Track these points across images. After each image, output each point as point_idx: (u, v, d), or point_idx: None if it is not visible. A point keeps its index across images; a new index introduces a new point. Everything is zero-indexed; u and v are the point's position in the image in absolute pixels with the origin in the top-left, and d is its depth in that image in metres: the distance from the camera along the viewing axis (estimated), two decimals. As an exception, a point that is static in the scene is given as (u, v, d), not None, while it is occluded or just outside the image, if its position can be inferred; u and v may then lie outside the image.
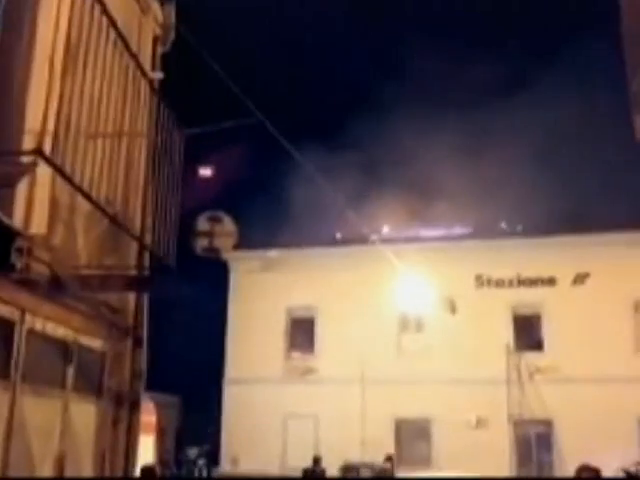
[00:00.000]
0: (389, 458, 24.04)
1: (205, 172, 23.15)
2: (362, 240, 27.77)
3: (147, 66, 8.04)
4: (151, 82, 7.29)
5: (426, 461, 27.91)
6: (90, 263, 6.94)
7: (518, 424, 28.47)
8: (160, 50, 9.27)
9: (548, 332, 29.31)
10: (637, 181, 29.58)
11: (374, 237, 26.65)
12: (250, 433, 29.09)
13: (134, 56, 6.51)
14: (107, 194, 6.34)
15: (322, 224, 30.87)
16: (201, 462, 30.61)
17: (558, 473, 27.41)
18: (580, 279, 29.15)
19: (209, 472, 29.92)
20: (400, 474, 23.27)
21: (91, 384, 7.40)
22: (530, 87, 46.33)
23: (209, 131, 9.90)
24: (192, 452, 31.01)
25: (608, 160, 31.99)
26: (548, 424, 28.24)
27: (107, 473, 7.43)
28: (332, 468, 25.22)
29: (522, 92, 39.66)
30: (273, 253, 31.54)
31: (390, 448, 28.64)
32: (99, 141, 6.21)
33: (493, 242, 30.09)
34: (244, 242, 18.75)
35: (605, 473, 22.09)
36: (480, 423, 28.41)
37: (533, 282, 29.74)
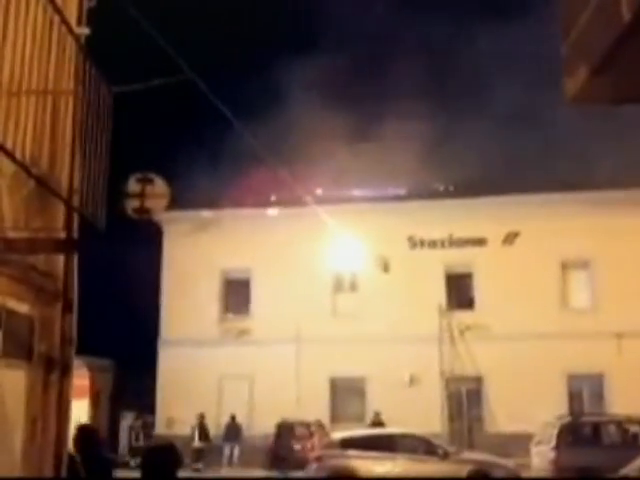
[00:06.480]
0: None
1: None
2: (296, 201, 27.72)
3: (73, 21, 7.74)
4: (77, 38, 7.02)
5: (360, 419, 28.35)
6: (16, 225, 6.73)
7: (450, 381, 29.14)
8: (86, 5, 8.93)
9: (479, 291, 29.93)
10: (566, 142, 30.19)
11: (308, 198, 26.62)
12: (186, 395, 29.05)
13: (59, 10, 6.26)
14: (33, 154, 6.13)
15: (256, 185, 30.66)
16: (137, 425, 30.44)
17: (488, 428, 28.22)
18: (510, 238, 29.72)
19: (145, 436, 29.77)
20: (335, 432, 23.55)
21: (20, 349, 7.23)
22: (465, 46, 46.60)
23: (139, 89, 9.65)
24: (128, 416, 30.76)
25: (539, 121, 32.50)
26: (478, 380, 28.97)
27: (38, 439, 7.31)
28: (269, 427, 25.60)
29: (458, 51, 40.01)
30: (206, 214, 31.26)
31: (325, 407, 29.07)
32: (23, 99, 5.97)
33: (426, 202, 30.38)
34: (177, 203, 18.56)
35: (533, 426, 22.61)
36: (413, 381, 28.97)
37: (465, 242, 30.21)
